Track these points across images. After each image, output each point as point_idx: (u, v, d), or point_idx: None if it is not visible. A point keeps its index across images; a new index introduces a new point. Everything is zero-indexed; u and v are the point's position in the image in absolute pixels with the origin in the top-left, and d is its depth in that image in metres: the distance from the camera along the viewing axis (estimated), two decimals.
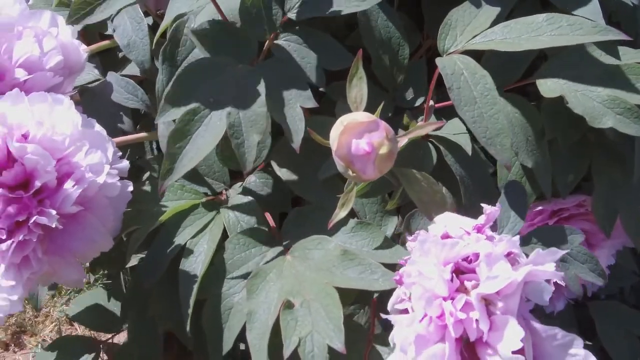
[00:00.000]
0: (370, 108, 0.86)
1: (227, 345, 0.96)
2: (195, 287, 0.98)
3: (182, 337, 1.11)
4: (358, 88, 0.87)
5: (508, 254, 0.75)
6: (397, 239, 0.98)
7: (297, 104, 0.94)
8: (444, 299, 0.73)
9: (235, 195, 1.07)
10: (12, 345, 1.63)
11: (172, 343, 1.25)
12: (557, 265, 0.94)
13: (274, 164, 1.05)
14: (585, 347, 1.21)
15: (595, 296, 1.35)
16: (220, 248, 1.00)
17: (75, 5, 0.94)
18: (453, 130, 1.01)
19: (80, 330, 1.62)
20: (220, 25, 0.97)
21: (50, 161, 0.85)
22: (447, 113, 1.01)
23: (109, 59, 1.21)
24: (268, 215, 1.04)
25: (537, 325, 0.76)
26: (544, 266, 0.72)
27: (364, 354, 0.93)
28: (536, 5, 1.08)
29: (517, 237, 0.75)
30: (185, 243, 1.02)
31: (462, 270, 0.75)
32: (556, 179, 1.06)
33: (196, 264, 1.00)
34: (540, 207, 1.11)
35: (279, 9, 1.00)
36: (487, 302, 0.73)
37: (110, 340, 1.31)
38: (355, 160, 0.81)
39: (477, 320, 0.71)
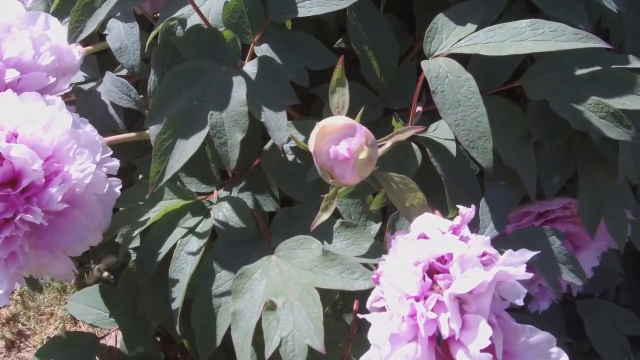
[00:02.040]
0: (358, 109, 0.87)
1: (216, 342, 0.97)
2: (185, 286, 0.99)
3: (173, 333, 1.13)
4: (340, 94, 0.88)
5: (483, 255, 0.76)
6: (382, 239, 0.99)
7: (279, 101, 0.96)
8: (416, 298, 0.74)
9: (225, 195, 1.08)
10: (17, 343, 1.64)
11: (173, 340, 1.26)
12: (533, 266, 0.96)
13: (263, 164, 1.07)
14: (573, 345, 1.21)
15: (586, 295, 1.35)
16: (209, 247, 1.02)
17: (72, 25, 0.96)
18: (441, 131, 1.01)
19: (84, 328, 1.63)
20: (203, 30, 0.99)
21: (37, 161, 0.87)
22: (436, 115, 1.01)
23: (105, 58, 1.23)
24: (257, 215, 1.06)
25: (511, 323, 0.76)
26: (514, 267, 0.73)
27: (344, 354, 0.94)
28: (524, 11, 1.09)
29: (488, 237, 0.76)
30: (176, 242, 1.03)
31: (436, 270, 0.76)
32: (542, 181, 1.07)
33: (186, 264, 1.01)
34: (526, 209, 1.12)
35: (262, 12, 1.02)
36: (461, 301, 0.74)
37: (107, 337, 1.32)
38: (334, 166, 0.82)
39: (449, 319, 0.71)
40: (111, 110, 1.15)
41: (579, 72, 1.01)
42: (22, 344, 1.64)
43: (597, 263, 1.17)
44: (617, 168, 1.05)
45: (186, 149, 0.91)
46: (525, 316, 1.16)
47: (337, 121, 0.83)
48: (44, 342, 1.62)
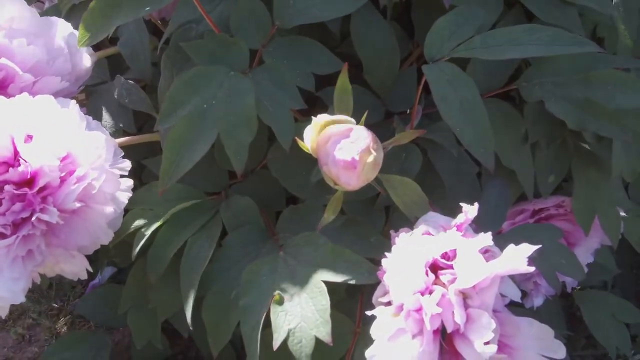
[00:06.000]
0: (361, 112, 0.89)
1: (227, 337, 0.99)
2: (197, 282, 1.01)
3: (181, 329, 1.15)
4: (345, 100, 0.89)
5: (485, 251, 0.79)
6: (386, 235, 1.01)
7: (286, 106, 0.98)
8: (422, 293, 0.76)
9: (233, 195, 1.11)
10: (27, 337, 1.66)
11: (179, 334, 1.27)
12: (533, 261, 0.98)
13: (269, 164, 1.09)
14: (572, 337, 1.23)
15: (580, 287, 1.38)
16: (219, 245, 1.04)
17: (83, 29, 0.99)
18: (441, 132, 1.04)
19: (93, 323, 1.64)
20: (212, 36, 1.01)
21: (54, 161, 0.90)
22: (436, 116, 1.03)
23: (115, 61, 1.25)
24: (264, 214, 1.09)
25: (511, 317, 0.79)
26: (516, 261, 0.75)
27: (349, 347, 0.96)
28: (521, 16, 1.11)
29: (490, 234, 0.79)
30: (187, 240, 1.05)
31: (439, 266, 0.79)
32: (538, 180, 1.10)
33: (197, 261, 1.03)
34: (521, 207, 1.15)
35: (269, 19, 1.04)
36: (465, 295, 0.76)
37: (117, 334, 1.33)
38: (340, 175, 0.83)
39: (453, 313, 0.74)
40: (121, 113, 1.18)
41: (575, 74, 1.04)
42: (32, 339, 1.66)
43: (592, 259, 1.20)
44: (610, 167, 1.08)
45: (195, 151, 0.93)
46: (526, 311, 1.19)
47: (339, 123, 0.84)
48: (54, 337, 1.64)
